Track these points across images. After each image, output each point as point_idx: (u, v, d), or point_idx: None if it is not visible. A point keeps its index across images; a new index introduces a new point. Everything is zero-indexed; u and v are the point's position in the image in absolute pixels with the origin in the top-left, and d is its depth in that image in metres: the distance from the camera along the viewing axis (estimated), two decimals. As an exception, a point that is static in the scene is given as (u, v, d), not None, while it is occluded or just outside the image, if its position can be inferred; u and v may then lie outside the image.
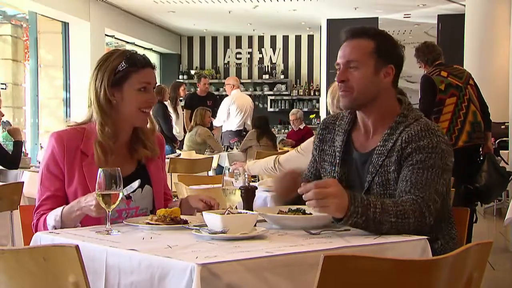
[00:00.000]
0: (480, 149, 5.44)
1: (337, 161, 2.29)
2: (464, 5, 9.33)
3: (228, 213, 1.93)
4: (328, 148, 2.36)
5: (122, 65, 2.30)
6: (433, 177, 2.08)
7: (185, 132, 9.15)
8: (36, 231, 2.19)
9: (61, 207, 2.20)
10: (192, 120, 8.41)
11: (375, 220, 1.92)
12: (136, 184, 2.20)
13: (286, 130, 12.85)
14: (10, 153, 5.18)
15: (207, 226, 1.92)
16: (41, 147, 7.21)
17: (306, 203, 1.93)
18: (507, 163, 6.49)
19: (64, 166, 2.27)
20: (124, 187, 2.09)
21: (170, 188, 3.97)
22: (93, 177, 2.17)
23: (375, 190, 2.18)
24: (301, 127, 10.26)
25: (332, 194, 1.90)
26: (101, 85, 2.30)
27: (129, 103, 2.31)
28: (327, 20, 12.32)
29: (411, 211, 1.98)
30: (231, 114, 9.23)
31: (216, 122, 9.15)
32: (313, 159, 2.44)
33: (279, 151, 7.93)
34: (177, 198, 4.08)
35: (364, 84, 2.20)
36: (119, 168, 2.01)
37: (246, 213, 2.02)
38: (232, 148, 8.69)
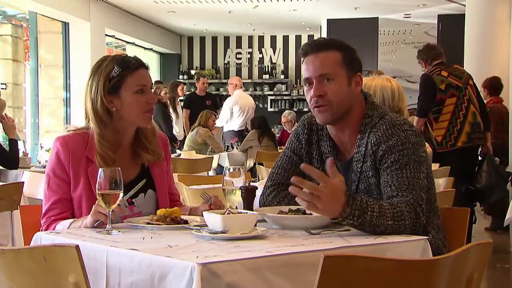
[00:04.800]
0: (479, 150, 5.45)
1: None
2: (464, 5, 9.33)
3: (228, 213, 1.94)
4: (315, 152, 2.32)
5: (116, 70, 2.26)
6: (413, 174, 2.07)
7: (184, 132, 9.15)
8: None
9: (70, 220, 2.19)
10: (197, 121, 8.41)
11: (371, 223, 1.91)
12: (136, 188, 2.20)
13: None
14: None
15: (207, 226, 1.92)
16: (41, 147, 7.20)
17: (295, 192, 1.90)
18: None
19: (70, 170, 2.26)
20: (127, 192, 2.10)
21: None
22: None
23: None
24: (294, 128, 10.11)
25: (326, 193, 1.86)
26: (97, 95, 2.26)
27: (130, 107, 2.28)
28: (327, 20, 12.32)
29: (407, 212, 1.98)
30: (234, 114, 9.22)
31: (219, 123, 9.12)
32: (297, 160, 2.34)
33: (279, 150, 7.93)
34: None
35: (341, 96, 2.17)
36: (119, 168, 2.01)
37: (246, 213, 2.02)
38: (232, 148, 8.69)
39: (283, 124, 10.36)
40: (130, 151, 2.37)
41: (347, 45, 2.24)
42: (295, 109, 13.38)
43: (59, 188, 2.26)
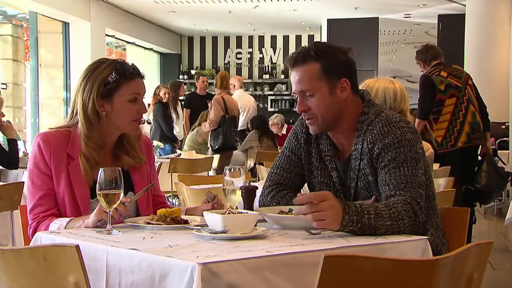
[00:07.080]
0: (479, 150, 5.45)
1: (334, 165, 2.25)
2: (465, 5, 9.34)
3: (228, 213, 1.94)
4: (314, 151, 2.31)
5: (112, 76, 2.25)
6: (411, 171, 2.07)
7: (184, 131, 9.14)
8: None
9: (67, 219, 2.18)
10: (197, 121, 8.40)
11: (370, 225, 1.91)
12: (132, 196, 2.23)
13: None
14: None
15: (207, 226, 1.92)
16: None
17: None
18: (504, 164, 6.49)
19: (51, 166, 2.25)
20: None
21: (171, 189, 3.92)
22: (78, 181, 2.21)
23: (361, 194, 2.18)
24: (284, 132, 10.06)
25: (328, 207, 1.86)
26: (89, 97, 2.25)
27: (120, 115, 2.28)
28: (328, 20, 12.35)
29: (404, 211, 1.98)
30: (235, 114, 9.20)
31: None
32: (296, 159, 2.33)
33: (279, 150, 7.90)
34: (177, 198, 4.06)
35: (325, 108, 2.16)
36: (119, 168, 2.01)
37: (247, 213, 2.02)
38: (232, 148, 8.67)
39: (270, 126, 10.27)
40: (111, 153, 2.37)
41: (327, 51, 2.18)
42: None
43: (44, 183, 2.25)
